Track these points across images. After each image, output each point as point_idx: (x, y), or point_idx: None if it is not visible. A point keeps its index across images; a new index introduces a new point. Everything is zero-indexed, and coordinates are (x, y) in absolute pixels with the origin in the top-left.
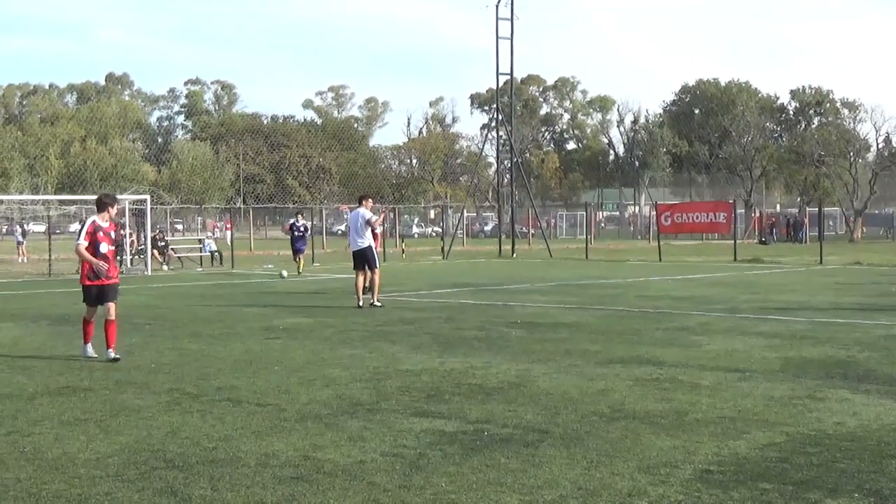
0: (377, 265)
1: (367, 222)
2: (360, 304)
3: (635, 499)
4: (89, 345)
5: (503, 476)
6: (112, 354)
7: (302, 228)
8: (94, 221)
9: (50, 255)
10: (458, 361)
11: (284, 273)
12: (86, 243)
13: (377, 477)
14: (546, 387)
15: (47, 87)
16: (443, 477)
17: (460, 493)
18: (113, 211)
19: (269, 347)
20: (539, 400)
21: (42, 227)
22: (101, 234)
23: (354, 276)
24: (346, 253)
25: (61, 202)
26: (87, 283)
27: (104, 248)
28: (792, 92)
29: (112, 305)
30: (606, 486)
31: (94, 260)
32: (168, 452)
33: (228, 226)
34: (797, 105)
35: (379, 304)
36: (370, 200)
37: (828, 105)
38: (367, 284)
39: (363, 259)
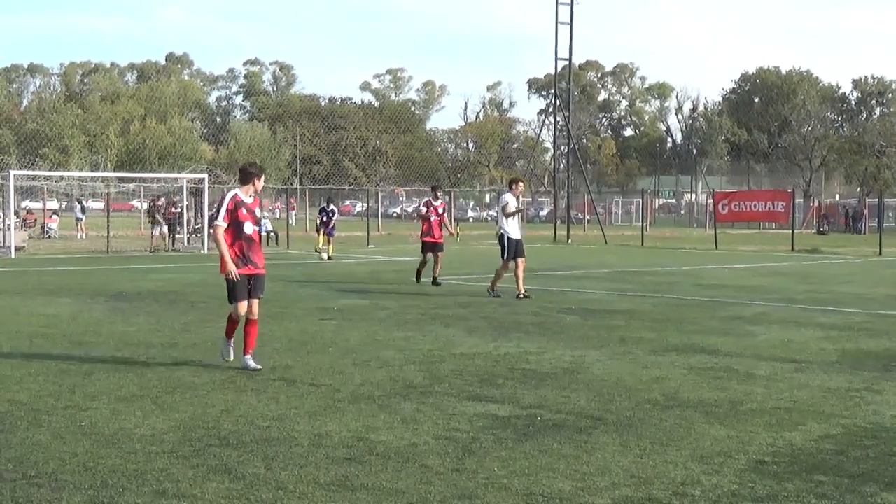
0: (504, 256)
1: (503, 209)
2: (524, 293)
3: (688, 488)
4: (231, 342)
5: (555, 462)
6: (251, 363)
7: (331, 213)
8: (235, 195)
9: (108, 232)
10: (511, 346)
11: (325, 255)
12: (225, 224)
13: (430, 460)
14: (600, 373)
15: (108, 65)
16: (495, 461)
17: (512, 478)
18: (259, 184)
19: (324, 328)
20: (592, 386)
21: (101, 204)
22: (243, 210)
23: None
24: (400, 235)
25: (120, 180)
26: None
27: (248, 228)
28: (854, 82)
29: (256, 302)
30: (659, 474)
31: (227, 254)
32: (222, 430)
33: (292, 206)
34: (859, 95)
35: (495, 293)
36: (520, 185)
37: (890, 95)
38: (515, 273)
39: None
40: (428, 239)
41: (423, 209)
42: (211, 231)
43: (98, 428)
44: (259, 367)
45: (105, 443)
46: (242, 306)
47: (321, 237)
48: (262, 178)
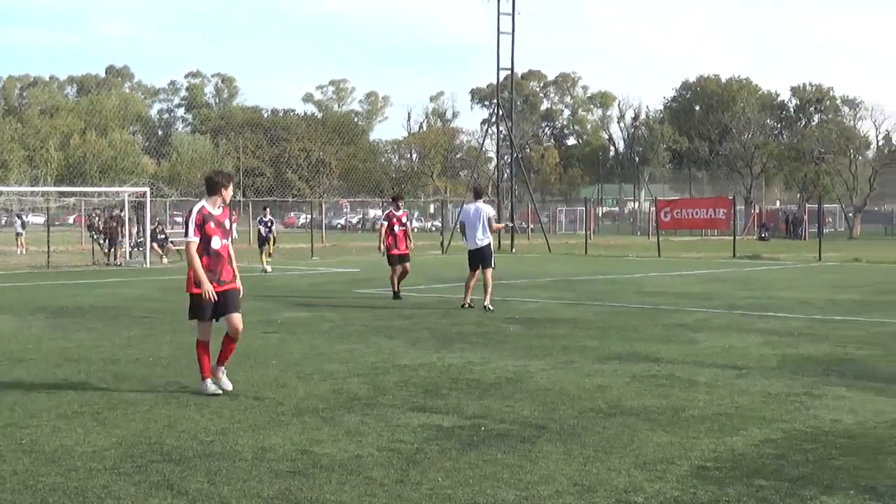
0: (493, 265)
1: (489, 221)
2: (468, 303)
3: (631, 495)
4: (209, 380)
5: (500, 471)
6: (225, 382)
7: (269, 223)
8: (202, 208)
9: (49, 247)
10: (455, 357)
11: (268, 268)
12: (196, 240)
13: (374, 472)
14: (543, 383)
15: (47, 78)
16: (439, 472)
17: (457, 489)
18: (228, 194)
19: (267, 342)
20: (536, 396)
21: (41, 219)
22: (211, 224)
23: (468, 274)
24: (344, 247)
25: (61, 194)
26: (195, 290)
27: (216, 242)
28: (792, 89)
29: (236, 317)
30: (603, 481)
31: (200, 271)
32: (165, 446)
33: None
34: (798, 102)
35: (492, 307)
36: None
37: (828, 102)
38: (471, 284)
39: (482, 258)
40: (394, 251)
41: (384, 221)
42: (185, 248)
43: (38, 445)
44: (219, 392)
45: (45, 460)
46: (207, 327)
47: (265, 254)
48: (231, 186)
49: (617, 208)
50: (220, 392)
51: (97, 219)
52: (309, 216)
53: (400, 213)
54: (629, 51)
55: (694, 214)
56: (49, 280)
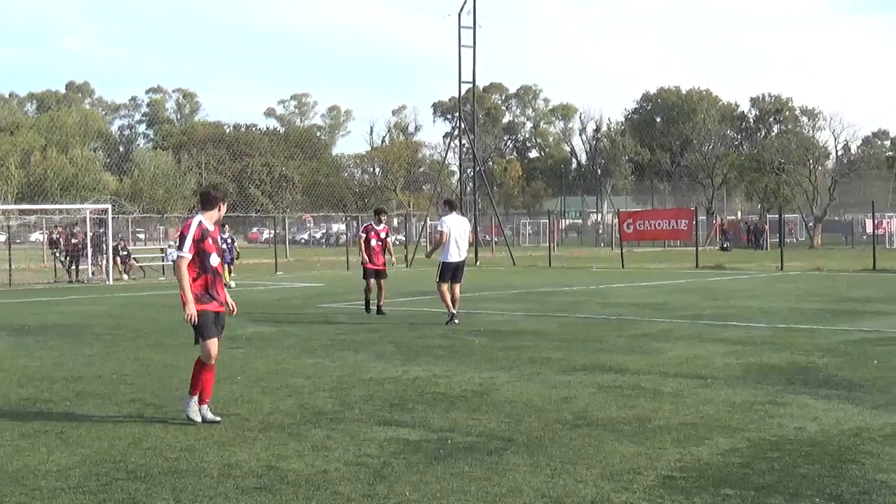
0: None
1: (469, 233)
2: (455, 318)
3: None
4: (206, 405)
5: (467, 484)
6: (209, 414)
7: (229, 240)
8: (200, 224)
9: (10, 265)
10: (421, 370)
11: (232, 283)
12: (190, 256)
13: (341, 486)
14: (509, 395)
15: (7, 95)
16: (406, 486)
17: (424, 502)
18: (224, 209)
19: (232, 357)
20: (502, 408)
21: (2, 237)
22: (209, 240)
23: (440, 287)
24: (308, 262)
25: (21, 212)
26: (200, 306)
27: (214, 259)
28: (752, 100)
29: (215, 343)
30: (570, 493)
31: (188, 290)
32: (130, 463)
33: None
34: (757, 113)
35: (458, 321)
36: None
37: (787, 113)
38: (455, 297)
39: (459, 271)
40: (369, 266)
41: (363, 234)
42: (174, 265)
43: (1, 465)
44: (219, 419)
45: (9, 480)
46: (215, 344)
47: (225, 270)
48: (226, 202)
49: (580, 220)
50: (219, 419)
51: (58, 236)
52: (272, 231)
53: (380, 227)
54: (590, 63)
55: (656, 226)
56: (11, 298)
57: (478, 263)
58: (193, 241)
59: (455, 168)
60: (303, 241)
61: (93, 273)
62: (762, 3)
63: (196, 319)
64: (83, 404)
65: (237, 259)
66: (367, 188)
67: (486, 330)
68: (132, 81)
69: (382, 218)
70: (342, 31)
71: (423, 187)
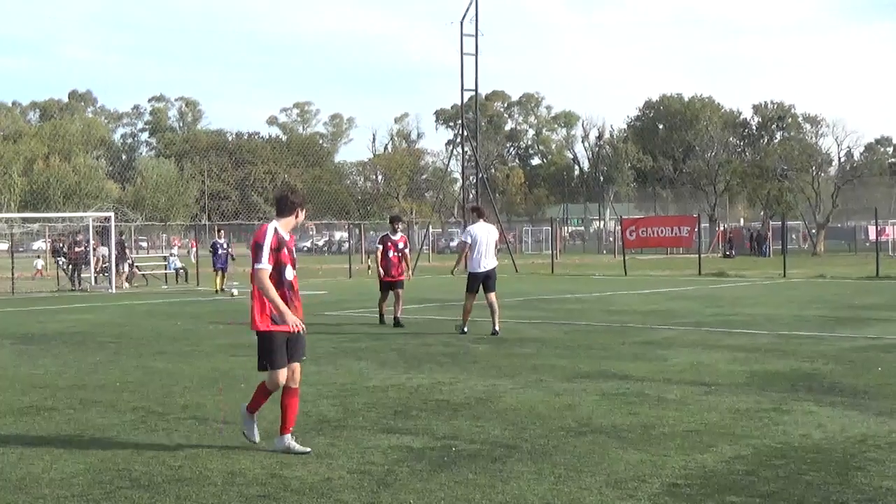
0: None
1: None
2: (466, 329)
3: None
4: (255, 422)
5: (471, 492)
6: (293, 444)
7: (225, 245)
8: (276, 232)
9: (13, 274)
10: (424, 377)
11: (235, 291)
12: (269, 268)
13: (344, 494)
14: (513, 402)
15: (10, 104)
16: (410, 493)
17: None
18: (301, 216)
19: (235, 365)
20: (506, 415)
21: (4, 246)
22: (284, 251)
23: (467, 298)
24: (311, 269)
25: (24, 220)
26: (271, 327)
27: (289, 273)
28: (754, 107)
29: (299, 367)
30: (574, 500)
31: (279, 301)
32: (134, 471)
33: (193, 244)
34: (760, 120)
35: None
36: None
37: (790, 120)
38: (471, 308)
39: (491, 280)
40: (387, 278)
41: (379, 245)
42: (252, 276)
43: (5, 473)
44: (307, 449)
45: (13, 488)
46: (283, 374)
47: (219, 277)
48: (304, 208)
49: (582, 227)
50: (258, 440)
51: (62, 244)
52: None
53: (397, 237)
54: (592, 70)
55: (659, 233)
56: (14, 307)
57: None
58: (271, 250)
59: (457, 175)
60: (305, 248)
61: (95, 281)
62: (764, 10)
63: (300, 327)
64: (86, 412)
65: (233, 260)
66: (369, 196)
67: (489, 337)
68: (135, 90)
69: (398, 227)
70: (344, 39)
71: (426, 195)
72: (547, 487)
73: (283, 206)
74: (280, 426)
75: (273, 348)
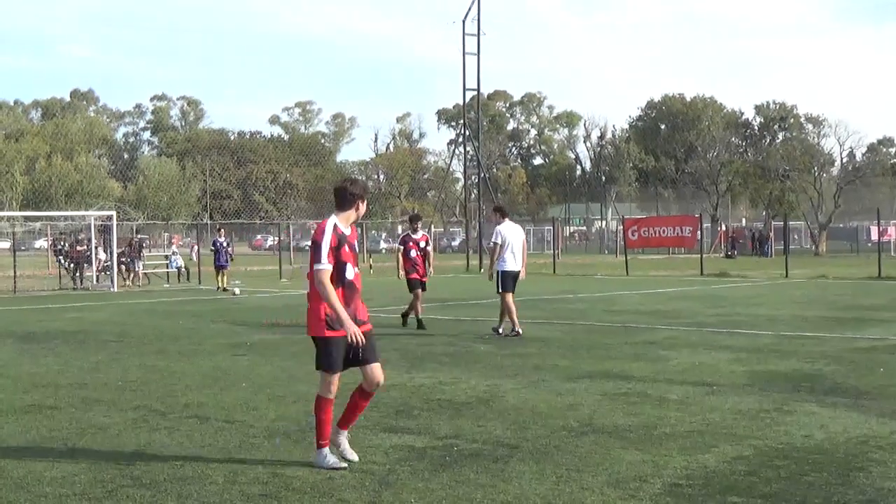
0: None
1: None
2: (520, 330)
3: None
4: (328, 450)
5: (473, 492)
6: (348, 450)
7: (225, 244)
8: (335, 227)
9: (15, 272)
10: (426, 377)
11: (237, 291)
12: (330, 267)
13: (346, 493)
14: (515, 402)
15: (12, 103)
16: (412, 493)
17: None
18: (363, 208)
19: (237, 364)
20: (508, 415)
21: (6, 244)
22: (345, 248)
23: (506, 297)
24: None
25: (26, 219)
26: (327, 333)
27: (350, 272)
28: (756, 107)
29: (378, 368)
30: (576, 500)
31: (340, 307)
32: (135, 470)
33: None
34: (762, 120)
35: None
36: None
37: (792, 120)
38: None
39: (515, 280)
40: (414, 276)
41: (401, 246)
42: (310, 275)
43: (7, 472)
44: (344, 465)
45: (14, 486)
46: (337, 380)
47: (221, 275)
48: (366, 200)
49: (584, 227)
50: (345, 465)
51: (64, 243)
52: (276, 238)
53: (417, 235)
54: (594, 70)
55: (661, 233)
56: (16, 305)
57: (482, 271)
58: (331, 248)
59: (459, 175)
60: (307, 248)
61: (97, 280)
62: (767, 11)
63: (357, 338)
64: (88, 411)
65: (231, 260)
66: (371, 195)
67: (490, 337)
68: (137, 89)
69: (418, 226)
70: (346, 38)
71: (428, 194)
72: (548, 487)
73: (343, 199)
74: (342, 419)
75: (330, 353)
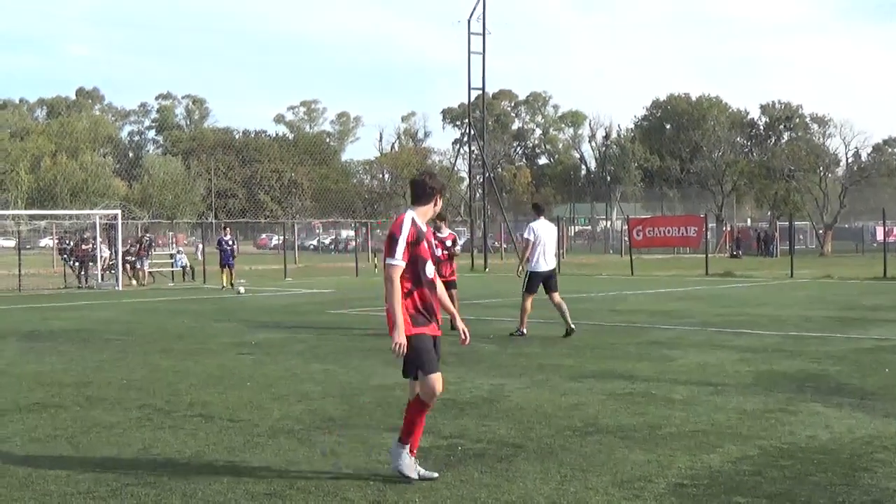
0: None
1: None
2: (525, 330)
3: None
4: (407, 453)
5: (477, 491)
6: (416, 468)
7: (231, 242)
8: (413, 222)
9: (20, 271)
10: None
11: (242, 290)
12: (404, 264)
13: (350, 493)
14: (519, 401)
15: (17, 101)
16: (416, 492)
17: None
18: (440, 203)
19: (241, 363)
20: (512, 415)
21: (11, 243)
22: (423, 244)
23: (526, 299)
24: (317, 268)
25: (31, 217)
26: (413, 330)
27: (430, 270)
28: (762, 107)
29: (437, 378)
30: (580, 500)
31: (399, 310)
32: (140, 469)
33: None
34: (767, 120)
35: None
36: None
37: (797, 120)
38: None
39: (552, 280)
40: (440, 278)
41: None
42: (385, 273)
43: (11, 470)
44: (434, 474)
45: (18, 485)
46: (439, 379)
47: (229, 275)
48: (444, 194)
49: (589, 227)
50: (414, 478)
51: (69, 242)
52: (281, 237)
53: (444, 234)
54: (599, 70)
55: (666, 232)
56: (20, 304)
57: (487, 270)
58: (407, 244)
59: (464, 174)
60: (312, 247)
61: (102, 279)
62: (772, 10)
63: (399, 350)
64: (92, 409)
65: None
66: (376, 194)
67: (495, 336)
68: (142, 88)
69: (442, 224)
70: (351, 37)
71: None
72: (553, 487)
73: (421, 193)
74: (400, 436)
75: (422, 350)
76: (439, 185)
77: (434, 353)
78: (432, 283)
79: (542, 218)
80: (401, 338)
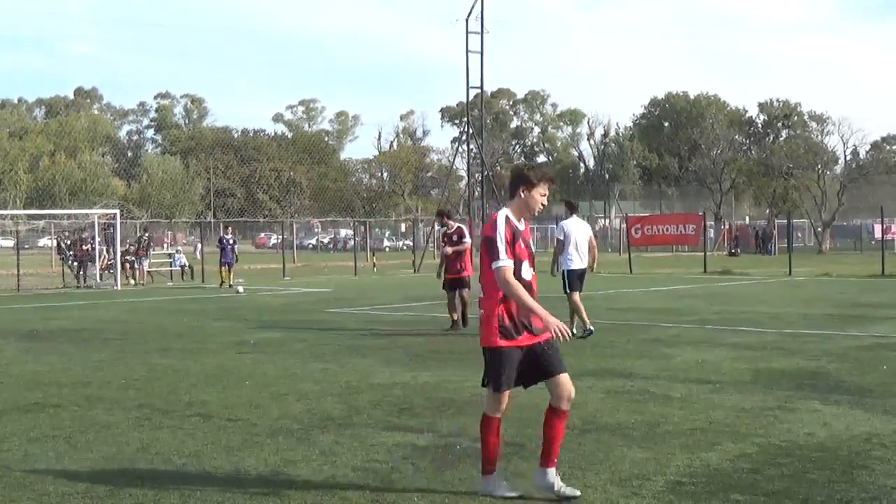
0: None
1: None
2: (592, 328)
3: None
4: (494, 477)
5: (475, 490)
6: (559, 483)
7: (232, 241)
8: (507, 221)
9: (18, 270)
10: (430, 375)
11: (240, 289)
12: (511, 263)
13: (349, 492)
14: (518, 400)
15: (15, 101)
16: (415, 491)
17: None
18: (538, 199)
19: (240, 362)
20: (511, 413)
21: (10, 243)
22: (520, 244)
23: (573, 298)
24: (316, 267)
25: (30, 217)
26: (500, 343)
27: (527, 271)
28: (760, 105)
29: (566, 379)
30: (579, 498)
31: (528, 300)
32: (138, 469)
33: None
34: (765, 118)
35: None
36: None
37: (796, 118)
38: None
39: (582, 278)
40: (448, 276)
41: (444, 246)
42: (497, 275)
43: (10, 470)
44: (577, 493)
45: (17, 485)
46: (506, 398)
47: (229, 274)
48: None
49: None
50: (518, 494)
51: (67, 241)
52: (280, 236)
53: (450, 230)
54: (598, 68)
55: (664, 230)
56: (19, 303)
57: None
58: (507, 243)
59: (463, 173)
60: (311, 246)
61: (101, 278)
62: (770, 8)
63: (561, 332)
64: (91, 409)
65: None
66: (374, 193)
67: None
68: (140, 87)
69: (446, 220)
70: (350, 36)
71: (431, 192)
72: None
73: (519, 181)
74: (541, 456)
75: (501, 364)
76: (536, 176)
77: (512, 371)
78: (530, 286)
79: (574, 216)
80: (550, 318)
